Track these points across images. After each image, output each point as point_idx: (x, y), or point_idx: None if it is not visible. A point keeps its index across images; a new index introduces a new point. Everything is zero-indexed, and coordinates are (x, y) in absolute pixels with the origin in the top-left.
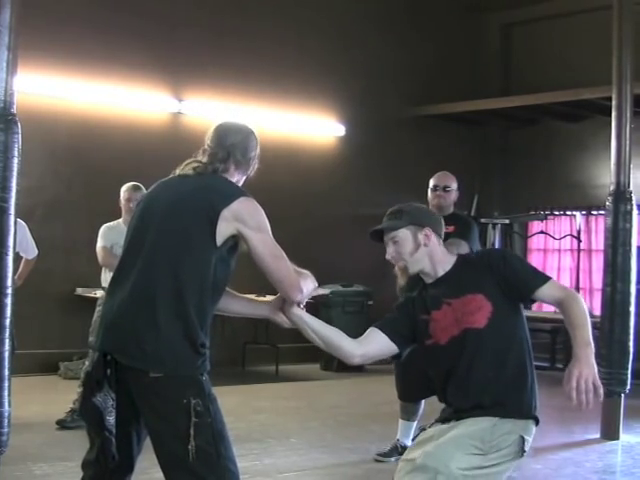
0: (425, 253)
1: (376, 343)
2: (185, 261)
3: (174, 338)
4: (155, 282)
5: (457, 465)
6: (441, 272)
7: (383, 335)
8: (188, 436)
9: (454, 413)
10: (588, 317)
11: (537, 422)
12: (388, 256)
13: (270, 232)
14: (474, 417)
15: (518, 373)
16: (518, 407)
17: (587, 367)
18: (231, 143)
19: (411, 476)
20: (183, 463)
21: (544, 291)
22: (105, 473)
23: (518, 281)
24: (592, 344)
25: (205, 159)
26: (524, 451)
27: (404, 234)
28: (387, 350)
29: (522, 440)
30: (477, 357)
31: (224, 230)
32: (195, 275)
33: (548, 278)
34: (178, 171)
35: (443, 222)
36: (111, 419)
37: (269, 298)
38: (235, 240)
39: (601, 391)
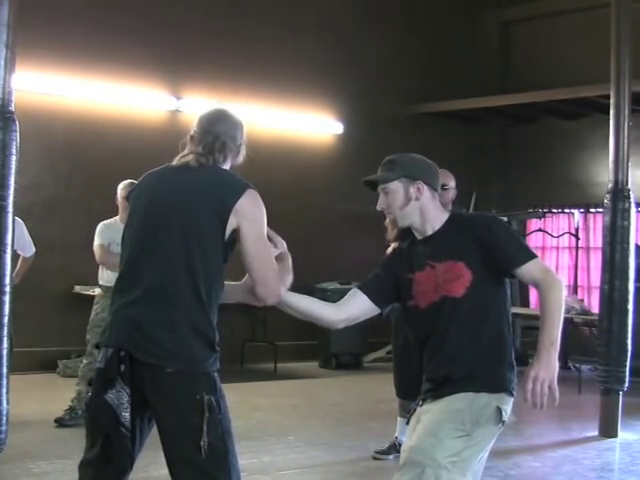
0: (416, 207)
1: (357, 305)
2: (201, 259)
3: (191, 336)
4: (173, 280)
5: (443, 455)
6: (430, 231)
7: (364, 296)
8: (201, 432)
9: (430, 384)
10: (562, 308)
11: (512, 394)
12: (379, 207)
13: (265, 229)
14: (448, 396)
15: (494, 346)
16: (491, 380)
17: (545, 369)
18: (224, 131)
19: (402, 472)
20: (193, 459)
21: (524, 270)
22: (108, 472)
23: (501, 255)
24: (557, 342)
25: (201, 149)
26: (503, 421)
27: (395, 186)
28: (369, 311)
29: (499, 411)
30: (452, 326)
31: (230, 224)
32: (209, 273)
33: (532, 257)
34: (176, 162)
35: (440, 175)
36: (127, 415)
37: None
38: (234, 236)
39: (557, 394)
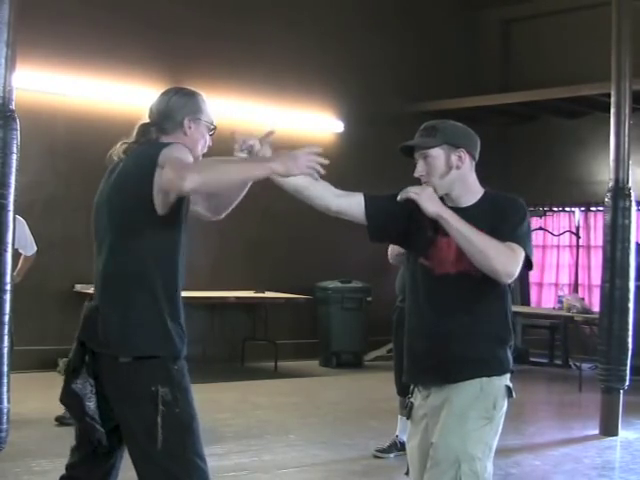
0: (457, 176)
1: (353, 209)
2: (129, 244)
3: (139, 320)
4: (108, 271)
5: (473, 446)
6: (464, 203)
7: (363, 208)
8: (156, 425)
9: (430, 358)
10: (498, 261)
11: (512, 371)
12: (417, 174)
13: (179, 153)
14: (462, 382)
15: (500, 329)
16: (500, 364)
17: (431, 198)
18: (155, 113)
19: (438, 470)
20: (148, 453)
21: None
22: (98, 462)
23: (500, 226)
24: (460, 228)
25: (132, 139)
26: (512, 397)
27: (436, 153)
28: (359, 220)
29: (509, 389)
30: (466, 303)
31: (157, 191)
32: (141, 255)
33: (519, 243)
34: (115, 156)
35: (479, 144)
36: (91, 405)
37: (268, 294)
38: (179, 205)
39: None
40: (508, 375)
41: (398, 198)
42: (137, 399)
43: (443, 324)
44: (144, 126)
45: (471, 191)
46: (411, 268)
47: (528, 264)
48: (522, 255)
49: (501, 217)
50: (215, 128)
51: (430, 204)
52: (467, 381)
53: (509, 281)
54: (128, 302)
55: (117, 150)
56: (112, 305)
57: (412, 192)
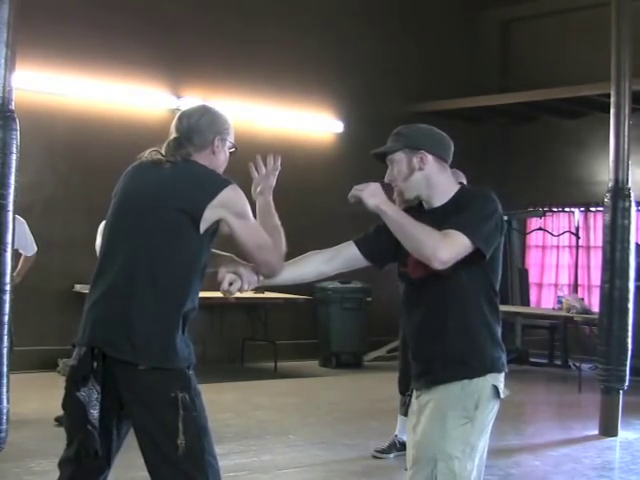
0: (421, 178)
1: (349, 260)
2: (168, 253)
3: (161, 330)
4: (139, 275)
5: (452, 446)
6: (437, 203)
7: (357, 252)
8: (177, 430)
9: (421, 364)
10: (423, 243)
11: (502, 371)
12: (386, 179)
13: (252, 217)
14: (443, 384)
15: (479, 326)
16: (482, 363)
17: (372, 194)
18: (186, 127)
19: (415, 469)
20: (170, 458)
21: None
22: (85, 470)
23: (455, 216)
24: (394, 216)
25: (164, 149)
26: (499, 397)
27: (399, 157)
28: (361, 264)
29: (495, 388)
30: (440, 303)
31: (208, 219)
32: (178, 265)
33: (466, 232)
34: (145, 158)
35: (451, 144)
36: (95, 412)
37: (268, 294)
38: (217, 225)
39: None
40: (497, 375)
41: (348, 197)
42: (157, 405)
43: (425, 327)
44: (178, 140)
45: (441, 191)
46: (399, 278)
47: (481, 253)
48: (461, 241)
49: (460, 208)
50: (236, 150)
51: (371, 199)
52: (450, 382)
53: (441, 267)
54: (155, 309)
55: (149, 156)
56: (139, 311)
57: (356, 189)
